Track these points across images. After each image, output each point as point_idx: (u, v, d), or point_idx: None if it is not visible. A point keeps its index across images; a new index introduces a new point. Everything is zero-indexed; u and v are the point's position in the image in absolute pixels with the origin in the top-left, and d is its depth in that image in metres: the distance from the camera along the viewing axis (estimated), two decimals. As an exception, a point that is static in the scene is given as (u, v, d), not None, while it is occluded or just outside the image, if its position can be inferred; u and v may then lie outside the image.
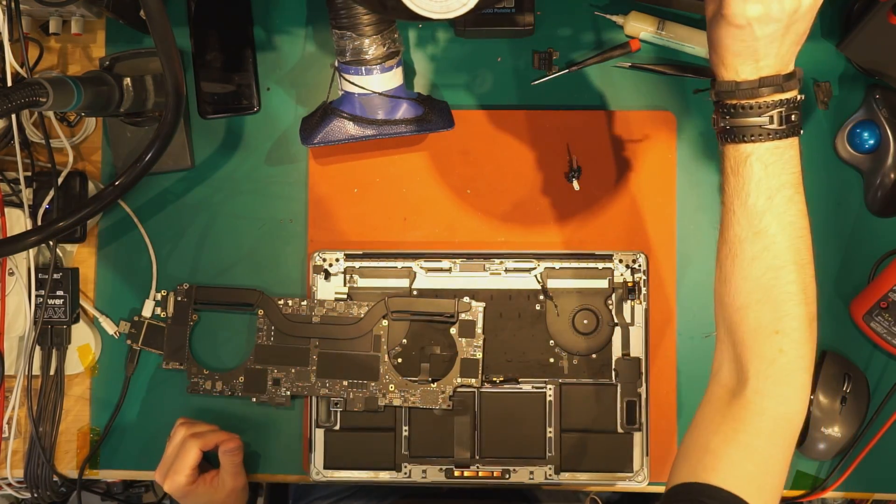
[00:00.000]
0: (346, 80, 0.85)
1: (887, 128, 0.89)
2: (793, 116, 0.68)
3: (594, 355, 0.92)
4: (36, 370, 0.92)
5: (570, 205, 0.94)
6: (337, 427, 0.92)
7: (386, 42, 0.83)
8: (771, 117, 0.68)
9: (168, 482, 0.86)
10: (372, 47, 0.82)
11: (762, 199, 0.68)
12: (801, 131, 0.70)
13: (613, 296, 0.92)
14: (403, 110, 0.87)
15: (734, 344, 0.70)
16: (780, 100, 0.68)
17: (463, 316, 0.91)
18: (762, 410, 0.69)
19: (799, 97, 0.69)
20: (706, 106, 0.94)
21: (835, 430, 0.89)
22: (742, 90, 0.68)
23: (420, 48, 0.95)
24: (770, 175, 0.68)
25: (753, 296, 0.69)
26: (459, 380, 0.91)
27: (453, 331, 0.91)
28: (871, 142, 0.90)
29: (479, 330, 0.91)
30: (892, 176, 0.90)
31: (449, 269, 0.93)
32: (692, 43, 0.92)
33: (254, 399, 0.92)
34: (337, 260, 0.93)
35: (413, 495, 1.02)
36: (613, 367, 0.92)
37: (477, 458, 0.92)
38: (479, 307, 0.91)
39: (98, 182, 0.95)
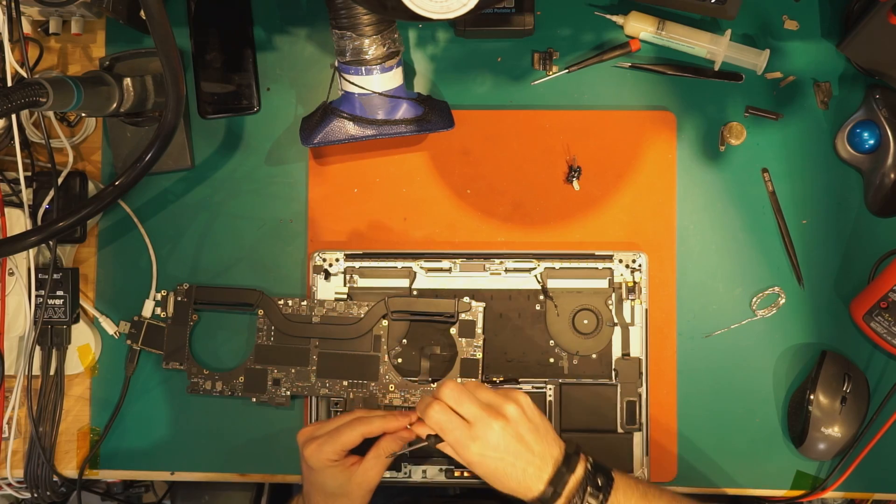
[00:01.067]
0: (346, 80, 0.85)
1: (887, 128, 0.89)
2: (599, 480, 0.76)
3: (594, 355, 0.92)
4: (36, 370, 0.92)
5: (570, 205, 0.94)
6: (337, 427, 0.92)
7: (386, 42, 0.83)
8: (591, 494, 0.75)
9: (312, 449, 0.80)
10: (372, 47, 0.82)
11: None
12: (614, 476, 0.77)
13: (613, 296, 0.92)
14: (403, 110, 0.87)
15: None
16: (581, 480, 0.76)
17: (463, 316, 0.91)
18: None
19: (590, 460, 0.77)
20: (706, 106, 0.94)
21: (835, 430, 0.89)
22: (547, 499, 0.75)
23: (420, 48, 0.95)
24: None
25: None
26: (459, 380, 0.91)
27: (453, 331, 0.91)
28: (871, 142, 0.90)
29: (479, 330, 0.91)
30: (892, 176, 0.90)
31: (449, 269, 0.93)
32: (692, 43, 0.92)
33: (254, 399, 0.92)
34: (337, 260, 0.93)
35: (413, 495, 1.02)
36: (613, 367, 0.92)
37: (477, 458, 0.92)
38: (479, 307, 0.91)
39: (98, 182, 0.95)
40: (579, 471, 0.76)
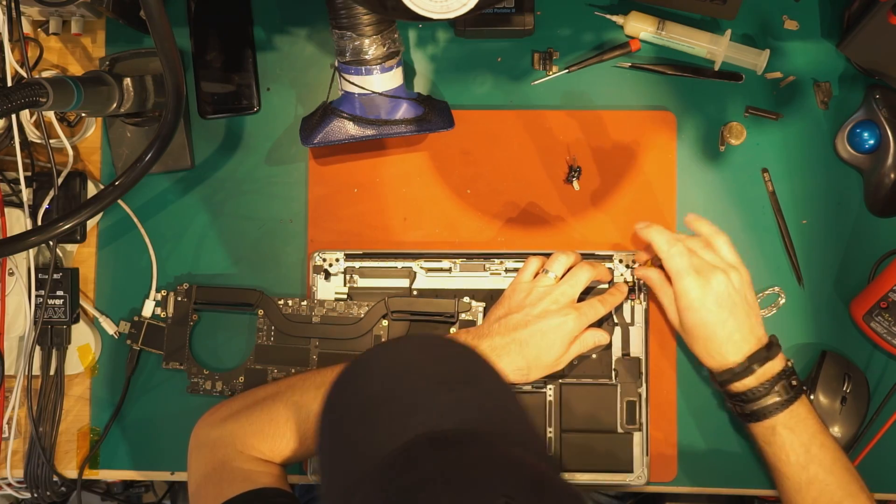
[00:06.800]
0: (346, 80, 0.85)
1: (887, 128, 0.89)
2: (793, 381, 0.79)
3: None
4: (36, 370, 0.92)
5: (570, 205, 0.94)
6: (337, 427, 0.92)
7: (386, 42, 0.83)
8: (778, 391, 0.78)
9: (567, 291, 0.83)
10: (372, 47, 0.82)
11: (801, 455, 0.78)
12: (805, 388, 0.80)
13: (613, 296, 0.92)
14: (403, 110, 0.87)
15: None
16: (778, 373, 0.78)
17: (463, 316, 0.91)
18: None
19: (790, 363, 0.80)
20: (706, 106, 0.94)
21: (835, 430, 0.89)
22: (737, 373, 0.78)
23: (420, 48, 0.95)
24: (798, 433, 0.78)
25: None
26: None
27: (453, 331, 0.91)
28: (871, 142, 0.90)
29: (479, 330, 0.91)
30: (892, 176, 0.90)
31: (449, 269, 0.93)
32: (692, 43, 0.92)
33: (254, 399, 0.92)
34: (337, 260, 0.93)
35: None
36: (613, 367, 0.92)
37: (477, 458, 0.92)
38: (479, 307, 0.91)
39: (98, 182, 0.95)
40: (778, 362, 0.78)
